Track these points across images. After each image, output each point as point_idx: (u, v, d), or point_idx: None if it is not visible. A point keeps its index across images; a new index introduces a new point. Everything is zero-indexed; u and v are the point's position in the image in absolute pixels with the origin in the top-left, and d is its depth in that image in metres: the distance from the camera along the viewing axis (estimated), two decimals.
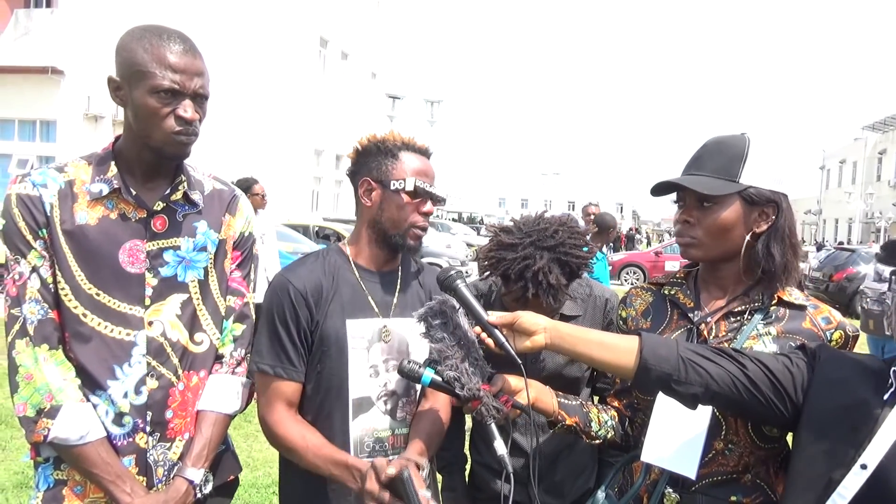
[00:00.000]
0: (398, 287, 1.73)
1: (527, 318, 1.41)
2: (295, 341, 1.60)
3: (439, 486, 1.98)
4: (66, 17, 17.94)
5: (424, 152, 1.72)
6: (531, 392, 1.54)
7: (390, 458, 1.58)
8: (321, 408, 1.63)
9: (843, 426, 1.25)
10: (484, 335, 1.44)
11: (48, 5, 18.78)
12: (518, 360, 1.41)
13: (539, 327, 1.40)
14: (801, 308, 1.50)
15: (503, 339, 1.42)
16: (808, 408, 1.30)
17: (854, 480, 1.19)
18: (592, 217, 6.94)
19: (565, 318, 1.91)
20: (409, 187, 1.63)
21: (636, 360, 1.34)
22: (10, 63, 17.49)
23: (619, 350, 1.37)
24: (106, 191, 1.52)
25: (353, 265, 1.69)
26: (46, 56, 17.33)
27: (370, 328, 1.65)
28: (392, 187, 1.64)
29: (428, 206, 1.68)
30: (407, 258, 1.79)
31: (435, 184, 1.70)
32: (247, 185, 5.86)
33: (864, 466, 1.19)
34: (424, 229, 1.69)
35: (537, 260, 1.69)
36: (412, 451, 1.59)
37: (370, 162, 1.68)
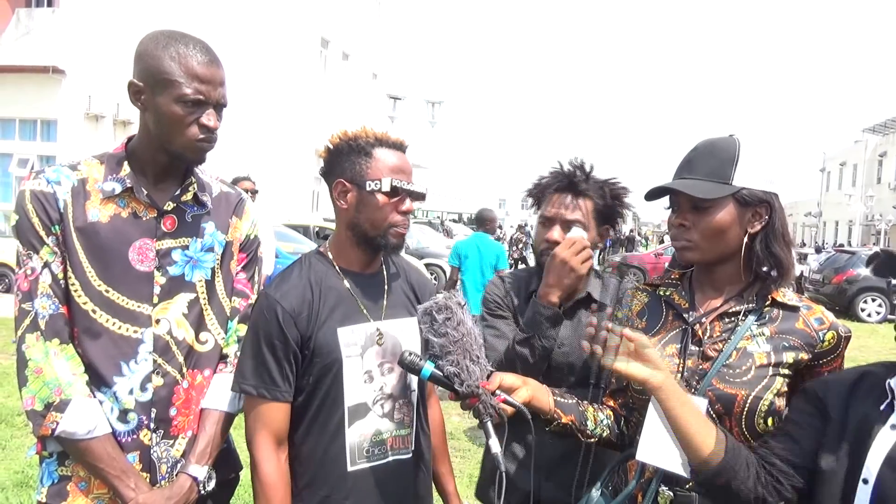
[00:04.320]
0: (385, 288, 1.71)
1: (655, 353, 1.38)
2: (281, 362, 1.55)
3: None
4: (68, 17, 17.94)
5: (400, 147, 1.64)
6: (528, 390, 1.55)
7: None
8: (315, 417, 1.60)
9: (850, 444, 1.29)
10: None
11: (49, 5, 18.77)
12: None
13: (664, 366, 1.38)
14: (795, 309, 1.51)
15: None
16: (824, 443, 1.34)
17: (862, 497, 1.23)
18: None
19: (592, 301, 1.94)
20: (386, 188, 1.57)
21: (720, 457, 1.35)
22: (11, 62, 17.49)
23: (708, 436, 1.36)
24: (119, 189, 1.55)
25: (337, 270, 1.65)
26: (47, 55, 17.32)
27: (362, 333, 1.62)
28: (368, 188, 1.58)
29: (407, 205, 1.62)
30: (387, 257, 1.76)
31: (413, 179, 1.63)
32: (235, 182, 5.79)
33: (865, 481, 1.23)
34: (406, 228, 1.64)
35: (576, 168, 1.95)
36: None
37: (343, 162, 1.61)
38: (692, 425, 1.36)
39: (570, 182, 1.92)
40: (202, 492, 1.60)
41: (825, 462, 1.32)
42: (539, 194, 2.00)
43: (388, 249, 1.65)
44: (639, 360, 1.36)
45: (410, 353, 1.48)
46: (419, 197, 1.64)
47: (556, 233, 1.91)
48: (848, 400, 1.34)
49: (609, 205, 1.95)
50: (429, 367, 1.46)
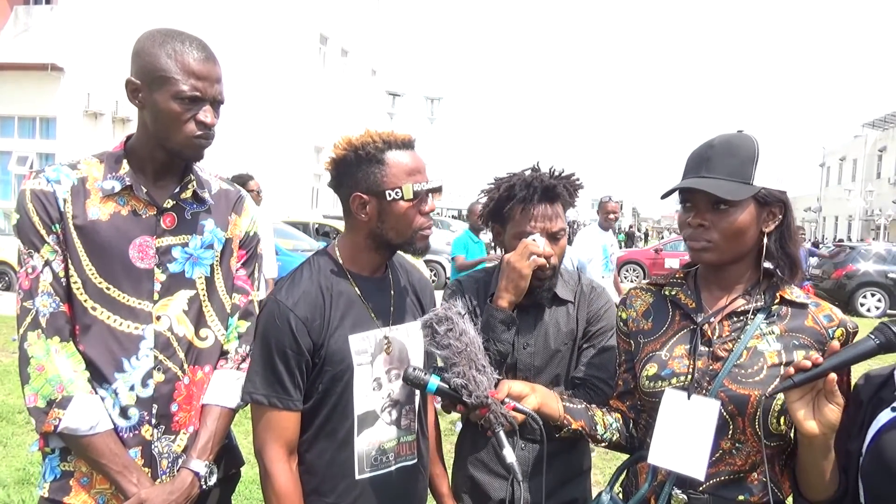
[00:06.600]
0: (392, 293, 1.69)
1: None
2: (293, 371, 1.54)
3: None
4: (66, 14, 17.91)
5: (409, 144, 1.60)
6: (537, 397, 1.54)
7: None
8: (324, 425, 1.59)
9: (864, 423, 1.36)
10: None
11: (48, 2, 18.74)
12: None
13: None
14: (803, 306, 1.49)
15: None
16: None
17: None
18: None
19: (558, 300, 1.90)
20: (408, 195, 1.55)
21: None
22: (9, 60, 17.48)
23: (834, 474, 1.36)
24: (118, 187, 1.56)
25: (347, 274, 1.63)
26: (46, 53, 17.31)
27: (372, 340, 1.61)
28: (388, 198, 1.54)
29: (429, 204, 1.60)
30: (392, 260, 1.74)
31: (428, 175, 1.60)
32: (241, 182, 5.65)
33: (861, 455, 1.32)
34: (430, 228, 1.62)
35: (539, 175, 1.83)
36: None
37: (355, 173, 1.56)
38: (823, 461, 1.35)
39: (546, 189, 1.81)
40: (203, 487, 1.60)
41: (850, 442, 1.36)
42: (508, 211, 1.84)
43: (417, 253, 1.63)
44: (816, 409, 1.29)
45: (414, 369, 1.46)
46: (438, 191, 1.61)
47: (548, 248, 1.80)
48: (879, 388, 1.37)
49: (571, 202, 1.89)
50: (434, 381, 1.44)
